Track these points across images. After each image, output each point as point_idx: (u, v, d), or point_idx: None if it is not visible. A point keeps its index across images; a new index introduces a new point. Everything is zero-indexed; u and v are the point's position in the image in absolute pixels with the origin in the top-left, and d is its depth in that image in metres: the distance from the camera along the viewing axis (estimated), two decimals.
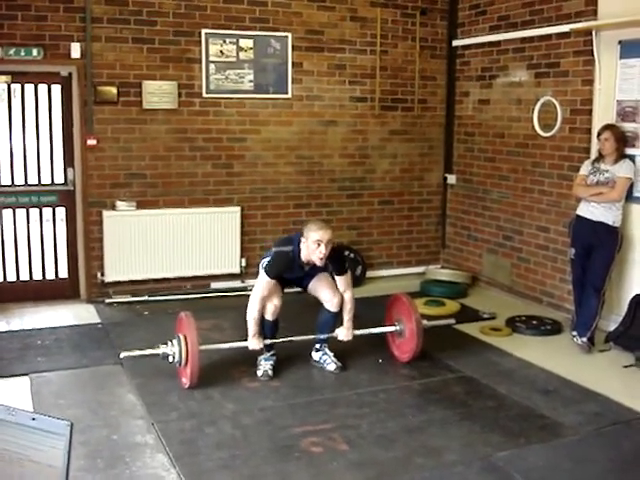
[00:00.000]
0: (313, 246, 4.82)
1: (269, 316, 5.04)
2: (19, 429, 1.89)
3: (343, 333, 5.18)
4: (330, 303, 5.10)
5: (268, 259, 5.03)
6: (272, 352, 5.17)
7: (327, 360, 5.23)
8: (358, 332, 5.32)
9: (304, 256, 4.93)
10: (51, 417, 1.89)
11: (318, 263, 4.90)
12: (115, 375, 5.09)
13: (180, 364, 4.82)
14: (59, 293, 6.89)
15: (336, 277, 5.14)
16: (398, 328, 5.43)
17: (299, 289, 5.37)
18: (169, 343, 4.86)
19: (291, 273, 5.08)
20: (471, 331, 6.18)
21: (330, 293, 5.10)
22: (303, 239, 4.89)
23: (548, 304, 6.86)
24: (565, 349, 5.77)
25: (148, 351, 4.98)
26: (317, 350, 5.33)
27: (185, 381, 4.86)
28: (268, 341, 5.08)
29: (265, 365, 5.09)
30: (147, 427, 4.27)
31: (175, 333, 4.95)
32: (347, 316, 5.16)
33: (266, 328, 5.10)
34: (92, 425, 4.24)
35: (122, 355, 4.93)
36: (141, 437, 4.15)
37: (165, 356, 4.85)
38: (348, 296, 5.13)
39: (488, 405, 4.68)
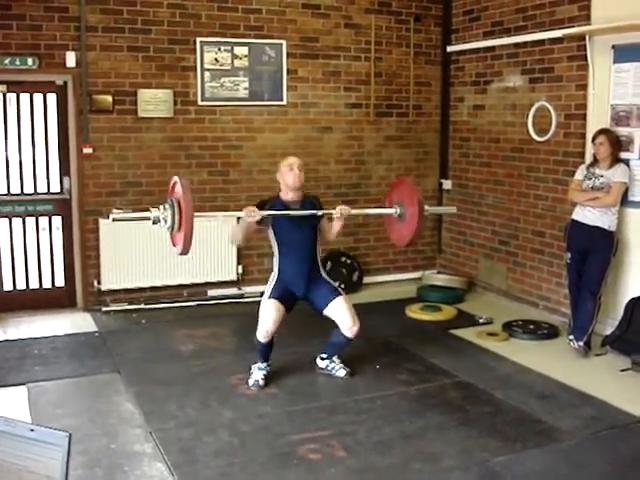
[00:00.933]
0: (287, 172, 5.07)
1: (261, 338, 4.97)
2: (17, 440, 1.90)
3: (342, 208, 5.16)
4: (350, 331, 5.03)
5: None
6: (267, 362, 5.13)
7: (335, 367, 5.21)
8: (355, 211, 5.46)
9: (284, 191, 5.12)
10: (49, 428, 1.90)
11: (295, 185, 5.07)
12: (113, 383, 5.08)
13: (172, 229, 4.67)
14: (56, 302, 6.88)
15: (322, 222, 5.21)
16: (398, 211, 5.28)
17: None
18: (161, 207, 4.68)
19: (284, 222, 5.06)
20: (468, 336, 6.19)
21: (351, 320, 5.01)
22: (279, 174, 5.16)
23: (544, 308, 6.88)
24: (562, 353, 5.78)
25: (138, 214, 4.99)
26: (323, 359, 5.30)
27: (178, 248, 4.73)
28: (265, 212, 5.01)
29: (257, 374, 5.06)
30: (145, 436, 4.27)
31: (168, 197, 4.77)
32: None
33: (259, 350, 5.06)
34: (90, 434, 4.24)
35: (111, 217, 4.83)
36: (139, 446, 4.14)
37: (156, 220, 4.71)
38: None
39: (485, 410, 4.69)
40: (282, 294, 5.04)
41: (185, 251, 4.67)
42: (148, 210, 4.74)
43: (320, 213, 5.18)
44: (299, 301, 5.18)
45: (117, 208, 6.71)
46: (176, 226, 4.63)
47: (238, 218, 5.40)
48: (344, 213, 5.11)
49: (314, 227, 5.15)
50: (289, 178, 5.06)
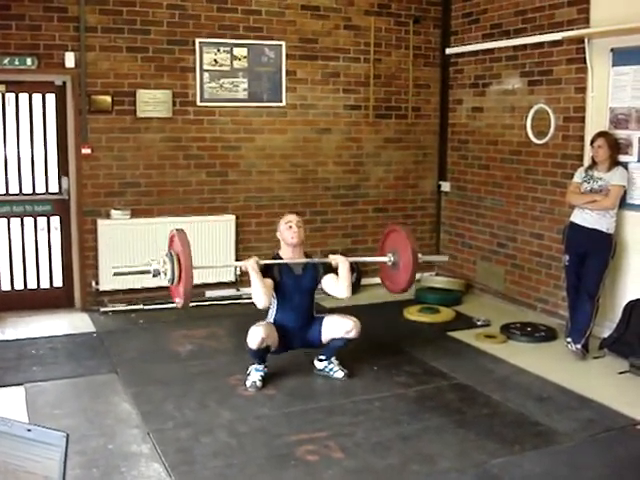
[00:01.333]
0: (286, 230, 5.11)
1: (252, 345, 4.94)
2: (15, 440, 1.90)
3: (338, 257, 5.21)
4: (354, 331, 5.08)
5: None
6: (265, 364, 5.12)
7: (334, 368, 5.22)
8: (352, 259, 5.47)
9: (284, 249, 5.15)
10: (47, 428, 1.89)
11: (294, 241, 5.08)
12: (110, 384, 5.08)
13: (172, 282, 4.77)
14: (54, 302, 6.88)
15: (328, 276, 5.17)
16: (392, 259, 5.40)
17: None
18: (161, 260, 4.77)
19: (288, 282, 5.09)
20: (466, 338, 6.19)
21: (352, 321, 5.10)
22: (278, 233, 5.19)
23: (542, 310, 6.88)
24: (559, 356, 5.78)
25: (139, 267, 5.00)
26: (321, 360, 5.30)
27: (179, 301, 4.82)
28: (266, 261, 5.09)
29: (255, 375, 5.05)
30: (143, 436, 4.27)
31: (168, 250, 4.86)
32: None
33: (252, 355, 5.06)
34: (88, 435, 4.23)
35: (113, 272, 4.98)
36: (137, 446, 4.14)
37: (156, 273, 4.79)
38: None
39: (483, 412, 4.69)
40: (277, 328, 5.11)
41: (186, 304, 4.79)
42: (149, 264, 4.84)
43: (316, 261, 5.26)
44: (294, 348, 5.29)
45: (115, 209, 6.77)
46: (176, 280, 4.74)
47: (245, 274, 5.44)
48: (339, 258, 5.17)
49: (314, 291, 5.24)
50: (289, 237, 5.11)
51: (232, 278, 7.26)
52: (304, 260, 5.21)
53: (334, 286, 5.13)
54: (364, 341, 5.48)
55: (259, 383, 5.02)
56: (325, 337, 5.17)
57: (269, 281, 4.99)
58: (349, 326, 5.06)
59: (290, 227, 5.11)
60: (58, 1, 6.45)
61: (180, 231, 4.83)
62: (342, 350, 5.24)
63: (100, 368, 5.36)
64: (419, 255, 5.28)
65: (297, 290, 5.13)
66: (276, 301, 5.14)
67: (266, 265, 5.04)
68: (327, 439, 4.23)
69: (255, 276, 4.89)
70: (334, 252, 7.53)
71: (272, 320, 5.15)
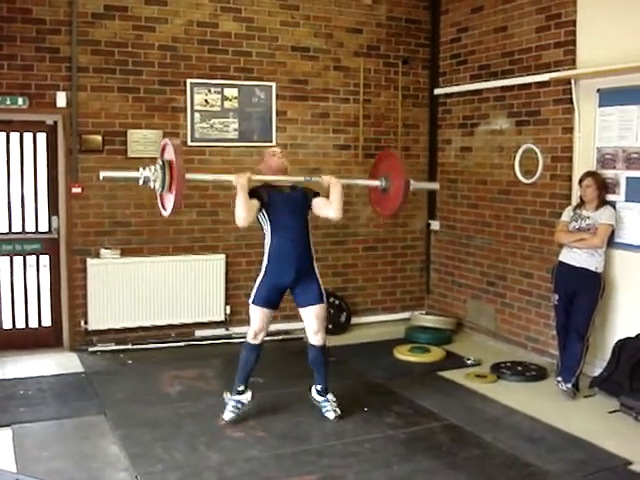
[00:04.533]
0: (271, 158, 5.25)
1: (250, 339, 5.11)
2: None
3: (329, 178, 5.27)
4: (314, 336, 5.11)
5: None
6: (245, 386, 5.17)
7: (327, 407, 5.16)
8: (344, 181, 5.46)
9: (272, 174, 5.20)
10: (34, 478, 1.88)
11: (282, 167, 5.22)
12: (98, 426, 5.03)
13: (163, 189, 4.76)
14: (42, 341, 6.83)
15: (318, 198, 5.22)
16: (383, 184, 5.50)
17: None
18: (151, 167, 4.78)
19: (277, 200, 5.11)
20: (456, 378, 6.17)
21: (317, 326, 5.10)
22: (263, 164, 5.32)
23: (533, 349, 6.88)
24: (550, 395, 5.77)
25: (128, 173, 5.05)
26: (319, 392, 5.25)
27: (167, 209, 4.86)
28: (256, 177, 5.17)
29: (232, 408, 5.12)
30: None
31: (159, 159, 4.86)
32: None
33: (245, 358, 5.13)
34: (75, 478, 4.19)
35: (101, 175, 4.98)
36: None
37: (147, 180, 4.78)
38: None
39: (473, 453, 4.66)
40: (268, 296, 5.11)
41: (173, 211, 4.83)
42: (139, 171, 4.84)
43: (307, 179, 5.36)
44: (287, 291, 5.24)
45: (105, 248, 6.76)
46: (166, 187, 4.73)
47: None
48: (329, 179, 5.23)
49: (306, 212, 5.19)
50: (274, 164, 5.22)
51: (222, 317, 7.24)
52: (295, 178, 5.33)
53: (325, 207, 5.16)
54: (354, 381, 5.47)
55: (229, 415, 5.09)
56: (301, 312, 5.18)
57: (255, 202, 5.02)
58: (315, 328, 5.10)
59: (274, 155, 5.23)
60: (50, 42, 6.51)
61: (173, 140, 4.86)
62: (327, 371, 5.21)
63: (88, 409, 5.31)
64: (410, 182, 5.40)
65: (287, 207, 5.11)
66: (269, 223, 5.12)
67: (252, 190, 5.05)
68: None
69: (242, 195, 4.96)
70: (325, 291, 7.61)
71: (267, 260, 5.14)
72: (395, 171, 5.43)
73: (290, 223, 5.09)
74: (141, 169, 4.83)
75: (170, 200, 4.78)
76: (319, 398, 5.24)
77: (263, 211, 5.09)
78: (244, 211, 4.94)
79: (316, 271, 5.21)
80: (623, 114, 5.89)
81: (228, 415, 5.10)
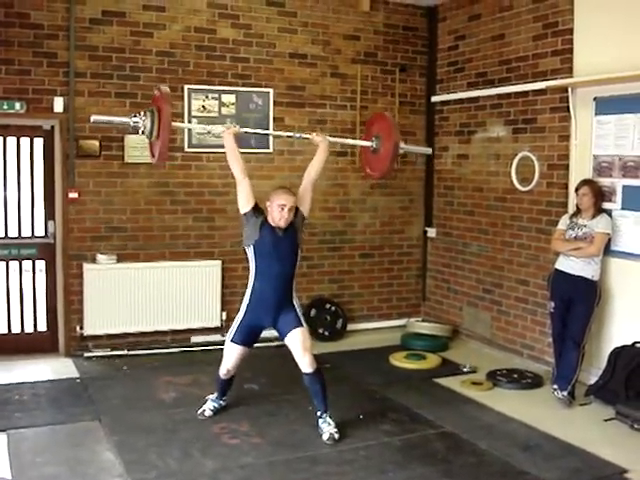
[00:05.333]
0: (277, 210, 5.01)
1: (222, 375, 5.24)
2: None
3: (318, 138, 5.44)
4: (302, 362, 4.99)
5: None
6: (224, 397, 5.34)
7: (323, 429, 5.00)
8: (332, 139, 5.65)
9: (270, 219, 5.07)
10: None
11: (282, 225, 5.02)
12: (93, 432, 5.01)
13: (151, 137, 4.79)
14: (38, 346, 6.81)
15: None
16: (374, 145, 5.57)
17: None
18: (141, 114, 4.80)
19: (268, 242, 5.04)
20: (452, 385, 6.17)
21: (301, 351, 4.99)
22: (268, 203, 5.08)
23: (528, 357, 6.88)
24: (546, 403, 5.77)
25: (118, 119, 5.09)
26: (318, 412, 5.09)
27: (153, 158, 4.92)
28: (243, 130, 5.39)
29: (209, 404, 5.29)
30: None
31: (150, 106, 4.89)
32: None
33: (219, 385, 5.32)
34: None
35: (92, 118, 5.03)
36: None
37: (136, 127, 4.81)
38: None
39: (469, 461, 4.65)
40: (247, 336, 5.13)
41: (161, 160, 4.90)
42: (129, 117, 4.89)
43: (297, 136, 5.66)
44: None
45: (101, 253, 6.75)
46: (154, 135, 4.75)
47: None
48: (320, 140, 5.39)
49: (295, 254, 5.17)
50: (277, 216, 5.02)
51: (218, 323, 7.23)
52: (285, 133, 5.68)
53: (306, 183, 5.29)
54: (350, 388, 5.45)
55: (208, 412, 5.24)
56: (286, 342, 5.09)
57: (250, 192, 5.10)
58: (300, 353, 5.00)
59: (282, 210, 5.00)
60: (48, 46, 6.51)
61: (163, 89, 4.90)
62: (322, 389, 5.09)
63: (83, 415, 5.29)
64: (401, 144, 5.51)
65: (277, 252, 5.05)
66: (255, 266, 5.09)
67: (256, 204, 5.10)
68: None
69: (227, 144, 5.18)
70: (321, 297, 7.63)
71: (249, 298, 5.13)
72: (386, 132, 5.48)
73: (275, 271, 5.05)
74: (131, 115, 4.88)
75: (156, 149, 4.83)
76: (319, 420, 5.06)
77: (251, 248, 5.08)
78: (234, 161, 5.16)
79: (294, 302, 5.15)
80: (619, 122, 5.90)
81: (201, 410, 5.28)
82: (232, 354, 5.14)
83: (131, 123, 4.84)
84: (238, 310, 5.23)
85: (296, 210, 5.12)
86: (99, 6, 6.68)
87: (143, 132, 4.85)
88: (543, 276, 6.52)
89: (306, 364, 4.98)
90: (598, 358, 6.03)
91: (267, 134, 5.11)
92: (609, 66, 5.84)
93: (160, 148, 4.76)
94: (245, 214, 5.10)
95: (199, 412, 5.25)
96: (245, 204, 5.09)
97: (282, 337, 5.13)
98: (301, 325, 5.09)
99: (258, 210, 5.11)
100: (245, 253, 5.21)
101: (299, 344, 5.01)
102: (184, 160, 7.07)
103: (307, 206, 5.24)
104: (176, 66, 6.98)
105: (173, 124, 4.87)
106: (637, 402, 5.35)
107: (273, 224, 5.05)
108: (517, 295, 7.04)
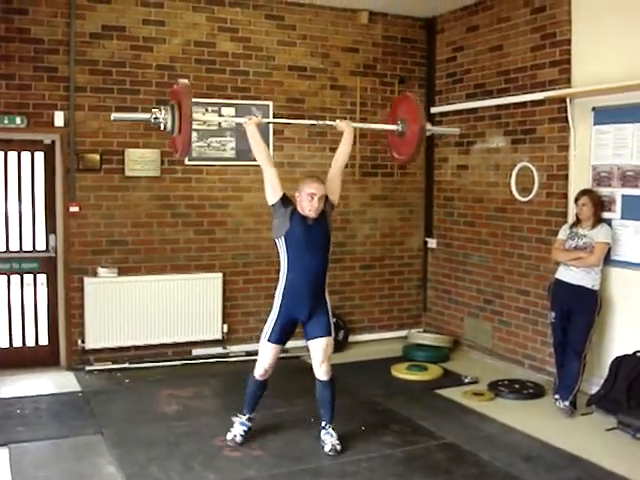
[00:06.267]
0: (307, 200, 4.86)
1: (258, 376, 5.00)
2: None
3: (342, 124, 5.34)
4: (318, 369, 4.98)
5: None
6: (252, 414, 5.07)
7: (325, 441, 4.99)
8: (355, 124, 5.59)
9: (300, 209, 4.93)
10: None
11: (312, 215, 4.89)
12: (95, 445, 5.01)
13: (172, 132, 4.76)
14: (39, 360, 6.82)
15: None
16: (400, 128, 5.44)
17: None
18: (162, 109, 4.75)
19: (299, 231, 4.90)
20: (454, 396, 6.16)
21: (321, 357, 4.96)
22: (297, 193, 4.94)
23: (530, 367, 6.87)
24: (547, 413, 5.77)
25: (139, 115, 5.21)
26: (322, 422, 5.08)
27: (176, 153, 4.95)
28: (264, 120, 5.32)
29: (238, 429, 5.02)
30: None
31: (170, 101, 4.85)
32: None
33: (251, 392, 5.05)
34: None
35: (113, 116, 5.09)
36: None
37: (157, 122, 4.75)
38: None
39: (471, 472, 4.65)
40: (282, 333, 4.98)
41: (182, 155, 4.96)
42: (149, 112, 4.83)
43: (321, 123, 5.61)
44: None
45: (102, 267, 6.77)
46: (176, 130, 4.72)
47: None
48: (344, 125, 5.29)
49: (327, 243, 5.05)
50: (306, 209, 4.88)
51: (219, 336, 7.23)
52: (308, 122, 5.69)
53: (335, 172, 5.20)
54: (352, 399, 5.45)
55: (239, 438, 4.99)
56: (309, 344, 5.03)
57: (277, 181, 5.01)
58: (320, 359, 4.96)
59: (312, 199, 4.85)
60: (48, 61, 6.54)
61: (183, 83, 4.88)
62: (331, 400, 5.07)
63: (85, 429, 5.29)
64: (427, 126, 5.42)
65: (308, 241, 4.91)
66: (286, 258, 4.93)
67: (284, 194, 4.99)
68: None
69: (250, 134, 5.16)
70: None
71: (281, 293, 4.97)
72: (412, 115, 5.36)
73: (307, 262, 4.92)
74: (153, 110, 4.81)
75: (178, 143, 4.80)
76: (322, 431, 5.05)
77: (282, 239, 4.94)
78: (258, 151, 5.12)
79: (327, 304, 5.07)
80: (618, 132, 5.92)
81: (231, 436, 5.02)
82: (268, 353, 4.98)
83: (152, 120, 4.78)
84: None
85: (325, 199, 4.99)
86: (99, 21, 6.71)
87: (165, 128, 4.79)
88: (543, 286, 6.52)
89: (323, 372, 4.97)
90: (599, 368, 6.02)
91: (289, 123, 5.09)
92: (607, 76, 5.86)
93: (182, 142, 4.73)
94: (273, 205, 4.97)
95: (229, 439, 5.01)
96: (272, 195, 4.97)
97: (307, 337, 5.05)
98: (329, 334, 5.02)
99: (287, 200, 4.98)
100: (276, 245, 5.04)
101: (321, 352, 4.97)
102: (184, 173, 7.09)
103: (336, 194, 5.12)
104: (176, 80, 6.96)
105: (194, 115, 4.82)
106: (639, 411, 5.35)
107: (303, 214, 4.93)
108: (518, 305, 7.04)
